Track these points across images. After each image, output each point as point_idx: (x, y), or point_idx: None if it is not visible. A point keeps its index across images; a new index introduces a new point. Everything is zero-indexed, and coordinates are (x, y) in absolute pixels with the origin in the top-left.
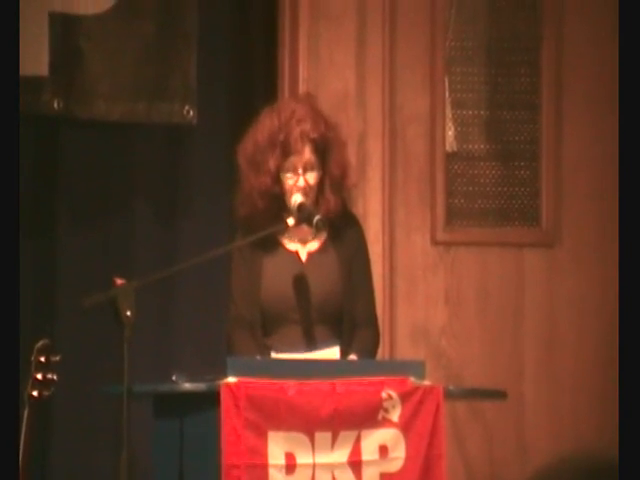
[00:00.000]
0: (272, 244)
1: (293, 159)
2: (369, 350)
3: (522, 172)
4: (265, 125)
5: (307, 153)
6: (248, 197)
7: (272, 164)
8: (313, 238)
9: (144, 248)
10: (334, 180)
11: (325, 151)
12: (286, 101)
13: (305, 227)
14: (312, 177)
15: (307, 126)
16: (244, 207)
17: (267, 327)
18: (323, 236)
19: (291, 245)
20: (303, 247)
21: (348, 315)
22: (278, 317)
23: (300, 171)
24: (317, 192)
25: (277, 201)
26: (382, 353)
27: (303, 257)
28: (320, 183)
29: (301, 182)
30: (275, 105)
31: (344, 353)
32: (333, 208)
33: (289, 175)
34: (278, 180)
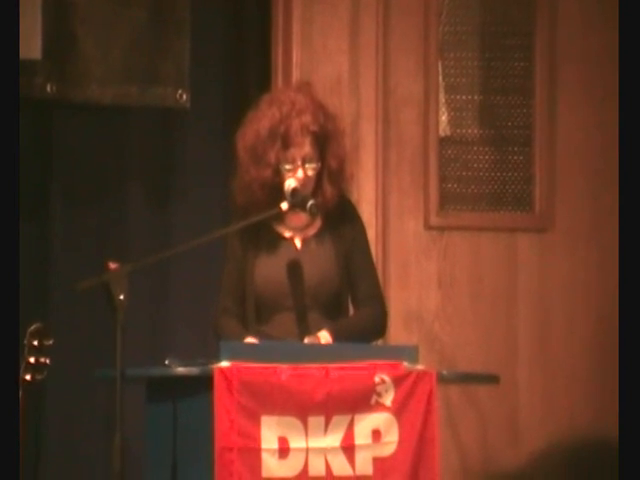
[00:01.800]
0: (267, 231)
1: (293, 151)
2: (368, 322)
3: (515, 157)
4: (265, 116)
5: (307, 145)
6: (248, 188)
7: (272, 156)
8: (308, 225)
9: (137, 232)
10: (332, 171)
11: (324, 142)
12: (285, 91)
13: (300, 214)
14: (311, 169)
15: (307, 118)
16: (242, 197)
17: (261, 314)
18: (319, 223)
19: (287, 232)
20: (298, 234)
21: (353, 296)
22: (272, 304)
23: (299, 163)
24: (315, 182)
25: (276, 192)
26: None
27: (298, 244)
28: (318, 174)
29: (300, 174)
30: (274, 94)
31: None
32: (330, 198)
33: (288, 167)
34: (278, 172)
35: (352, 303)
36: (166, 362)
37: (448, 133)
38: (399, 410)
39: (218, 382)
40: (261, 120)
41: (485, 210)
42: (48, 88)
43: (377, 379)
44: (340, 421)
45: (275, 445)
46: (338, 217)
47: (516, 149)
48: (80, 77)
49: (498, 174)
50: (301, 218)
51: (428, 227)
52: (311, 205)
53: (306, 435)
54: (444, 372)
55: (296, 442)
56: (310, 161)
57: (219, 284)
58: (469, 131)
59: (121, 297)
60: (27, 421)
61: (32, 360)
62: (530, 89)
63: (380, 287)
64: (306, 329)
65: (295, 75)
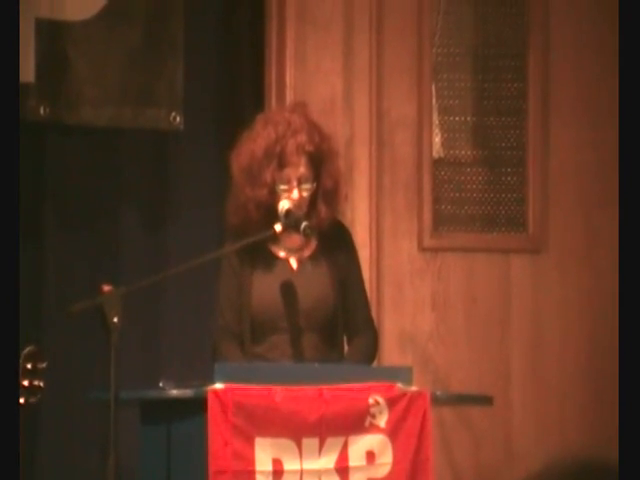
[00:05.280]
0: (263, 253)
1: (288, 171)
2: (368, 352)
3: (509, 178)
4: (261, 136)
5: (302, 166)
6: (243, 208)
7: (268, 176)
8: (303, 246)
9: (131, 254)
10: (327, 191)
11: (319, 163)
12: (281, 111)
13: (295, 236)
14: (306, 190)
15: (303, 138)
16: (237, 217)
17: (257, 335)
18: (313, 245)
19: (282, 253)
20: (293, 255)
21: (347, 324)
22: (267, 325)
23: (294, 183)
24: (309, 202)
25: (271, 212)
26: None
27: (294, 265)
28: (313, 194)
29: (295, 194)
30: (269, 115)
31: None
32: (324, 218)
33: (283, 187)
34: (273, 192)
35: (345, 329)
36: (160, 384)
37: (442, 154)
38: (393, 431)
39: (212, 404)
40: (256, 140)
41: (479, 231)
42: (41, 110)
43: (371, 400)
44: (334, 443)
45: (269, 467)
46: (333, 241)
47: (509, 170)
48: (73, 99)
49: (492, 195)
50: (296, 239)
51: (422, 248)
52: (305, 227)
53: (300, 457)
54: (438, 393)
55: (290, 464)
56: (305, 182)
57: (216, 302)
58: (463, 152)
59: (115, 319)
60: (21, 444)
61: (26, 383)
62: (523, 110)
63: (372, 313)
64: (301, 351)
65: (289, 96)
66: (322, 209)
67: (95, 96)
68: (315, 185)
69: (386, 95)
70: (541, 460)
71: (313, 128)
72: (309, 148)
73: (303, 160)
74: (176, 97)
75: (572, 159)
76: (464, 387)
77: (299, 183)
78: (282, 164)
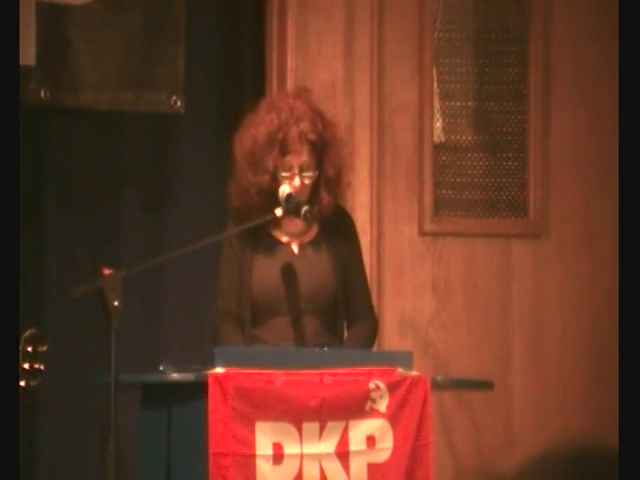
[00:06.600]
0: (264, 236)
1: (290, 158)
2: (368, 338)
3: (510, 163)
4: (264, 122)
5: (304, 154)
6: (245, 192)
7: (270, 163)
8: (305, 231)
9: (132, 238)
10: (329, 179)
11: (322, 150)
12: (284, 97)
13: (297, 220)
14: (308, 177)
15: (305, 126)
16: (239, 201)
17: (257, 318)
18: (315, 230)
19: (284, 238)
20: (295, 240)
21: (348, 310)
22: (268, 308)
23: (296, 171)
24: (312, 190)
25: (273, 197)
26: None
27: (295, 249)
28: (315, 181)
29: (297, 182)
30: (273, 100)
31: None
32: (326, 205)
33: (285, 174)
34: (275, 177)
35: (345, 315)
36: (161, 368)
37: (442, 139)
38: (393, 416)
39: (212, 388)
40: (259, 126)
41: (479, 216)
42: (42, 94)
43: (372, 385)
44: (334, 427)
45: (270, 451)
46: (335, 227)
47: (510, 155)
48: (74, 83)
49: (492, 180)
50: (297, 224)
51: (422, 233)
52: (305, 211)
53: (300, 441)
54: (438, 378)
55: (290, 448)
56: (307, 170)
57: (216, 284)
58: (463, 137)
59: (115, 303)
60: (22, 427)
61: (26, 366)
62: (524, 95)
63: (371, 298)
64: (302, 334)
65: (290, 81)
66: (324, 196)
67: (96, 79)
68: (317, 173)
69: (387, 80)
70: (541, 445)
71: (316, 116)
72: (311, 137)
73: (305, 148)
74: (177, 81)
75: (573, 144)
76: (464, 372)
77: (301, 171)
78: (284, 151)
